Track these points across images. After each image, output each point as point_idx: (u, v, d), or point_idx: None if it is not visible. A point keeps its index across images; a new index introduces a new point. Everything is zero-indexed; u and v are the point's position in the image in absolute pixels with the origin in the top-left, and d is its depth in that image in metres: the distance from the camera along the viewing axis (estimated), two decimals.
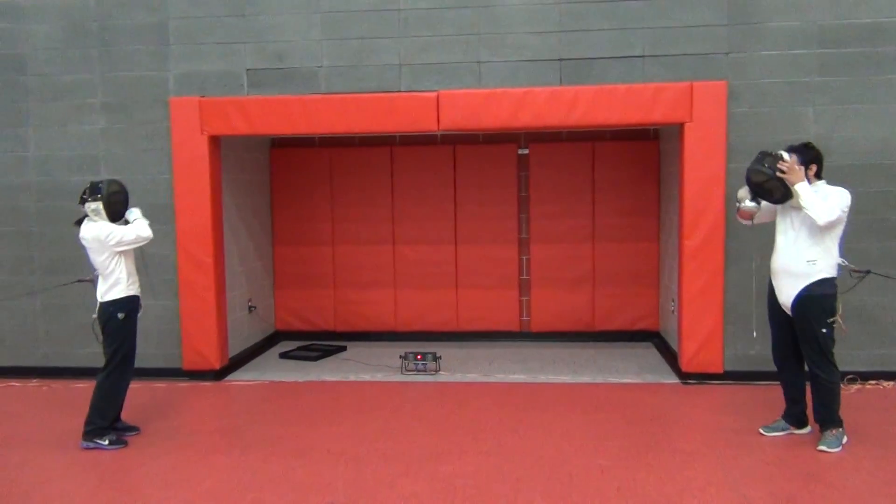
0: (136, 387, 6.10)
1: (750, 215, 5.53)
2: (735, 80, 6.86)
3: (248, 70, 7.37)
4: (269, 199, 9.14)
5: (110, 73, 7.47)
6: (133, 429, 5.93)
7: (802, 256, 5.25)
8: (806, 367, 5.46)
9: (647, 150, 8.64)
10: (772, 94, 6.85)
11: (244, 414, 6.45)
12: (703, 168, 6.80)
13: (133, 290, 5.77)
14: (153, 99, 7.43)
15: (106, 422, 5.68)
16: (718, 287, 6.89)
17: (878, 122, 6.79)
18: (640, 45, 6.97)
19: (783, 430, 5.64)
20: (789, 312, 5.38)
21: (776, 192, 5.28)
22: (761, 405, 6.22)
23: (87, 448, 5.62)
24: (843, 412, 5.41)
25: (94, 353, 7.10)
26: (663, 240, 8.44)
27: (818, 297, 5.23)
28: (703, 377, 7.00)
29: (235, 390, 7.22)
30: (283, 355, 8.39)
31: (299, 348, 8.64)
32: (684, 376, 7.07)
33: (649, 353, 8.29)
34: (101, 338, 5.70)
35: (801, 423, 5.63)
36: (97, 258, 5.66)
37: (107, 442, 5.62)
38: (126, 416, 5.99)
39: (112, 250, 5.62)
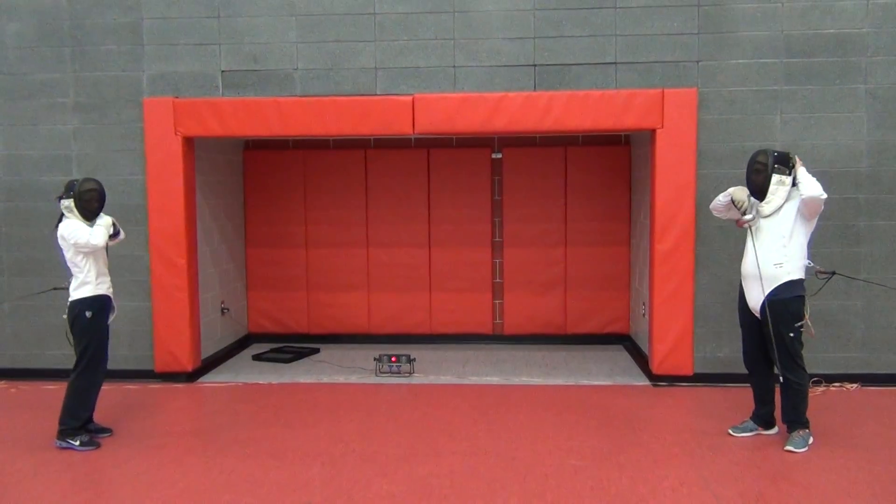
0: (107, 388, 6.05)
1: (741, 224, 5.59)
2: (705, 88, 7.00)
3: (222, 71, 7.35)
4: (243, 201, 9.10)
5: (83, 72, 7.40)
6: (106, 430, 5.88)
7: (769, 260, 5.38)
8: (775, 370, 5.58)
9: (618, 156, 8.76)
10: (740, 102, 6.99)
11: (218, 416, 6.43)
12: (674, 173, 6.92)
13: (102, 289, 5.74)
14: (127, 99, 7.38)
15: (77, 422, 5.64)
16: (688, 291, 7.01)
17: (844, 130, 6.96)
18: (613, 53, 7.07)
19: (751, 430, 5.75)
20: (758, 316, 5.51)
21: (760, 177, 5.39)
22: (730, 407, 6.34)
23: (61, 447, 5.58)
24: (809, 414, 5.54)
25: (63, 355, 7.06)
26: (634, 244, 8.56)
27: (785, 301, 5.35)
28: (673, 379, 7.12)
29: (208, 392, 7.19)
30: (256, 357, 8.37)
31: (272, 350, 8.61)
32: (655, 378, 7.17)
33: (620, 355, 8.40)
34: (71, 337, 5.67)
35: (768, 424, 5.76)
36: (66, 256, 5.65)
37: (78, 443, 5.58)
38: (98, 417, 5.94)
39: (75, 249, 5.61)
